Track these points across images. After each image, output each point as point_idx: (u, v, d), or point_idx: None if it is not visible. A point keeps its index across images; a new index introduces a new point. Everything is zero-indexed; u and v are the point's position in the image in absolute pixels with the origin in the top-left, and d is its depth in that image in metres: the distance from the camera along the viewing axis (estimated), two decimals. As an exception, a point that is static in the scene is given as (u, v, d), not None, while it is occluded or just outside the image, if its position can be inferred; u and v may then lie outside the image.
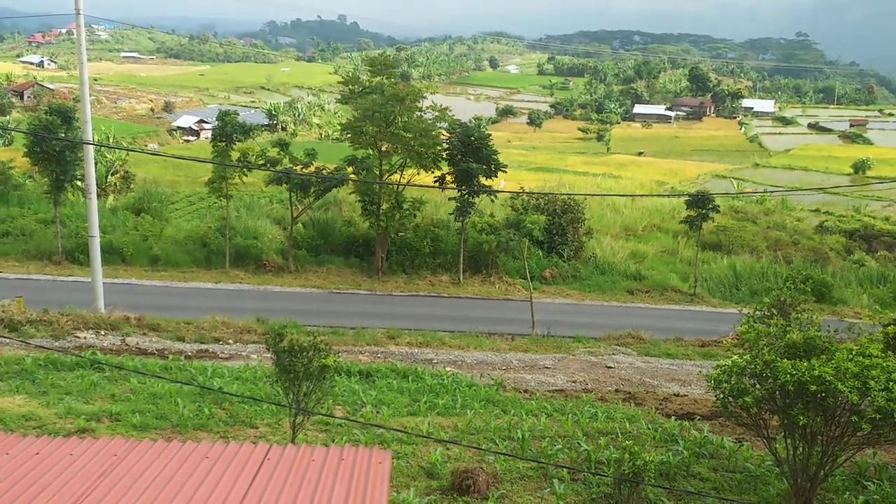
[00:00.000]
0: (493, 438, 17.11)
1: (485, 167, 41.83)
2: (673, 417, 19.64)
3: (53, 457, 9.35)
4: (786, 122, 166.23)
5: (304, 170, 42.00)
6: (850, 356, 13.52)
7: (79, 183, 42.23)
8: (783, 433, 14.40)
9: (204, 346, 27.59)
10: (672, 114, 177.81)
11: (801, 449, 13.90)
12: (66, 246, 41.23)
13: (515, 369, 27.20)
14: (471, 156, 41.64)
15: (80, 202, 44.68)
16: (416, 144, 41.86)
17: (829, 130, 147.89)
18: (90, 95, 33.46)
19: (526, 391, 23.39)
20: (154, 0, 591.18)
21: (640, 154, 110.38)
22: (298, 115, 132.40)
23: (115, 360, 22.35)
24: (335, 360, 14.82)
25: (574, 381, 26.09)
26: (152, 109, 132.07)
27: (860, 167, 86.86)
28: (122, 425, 16.26)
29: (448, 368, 25.22)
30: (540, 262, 44.56)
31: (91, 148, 32.39)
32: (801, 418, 13.12)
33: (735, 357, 14.84)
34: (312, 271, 42.40)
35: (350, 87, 45.83)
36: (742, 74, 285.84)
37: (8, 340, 23.94)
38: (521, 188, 51.46)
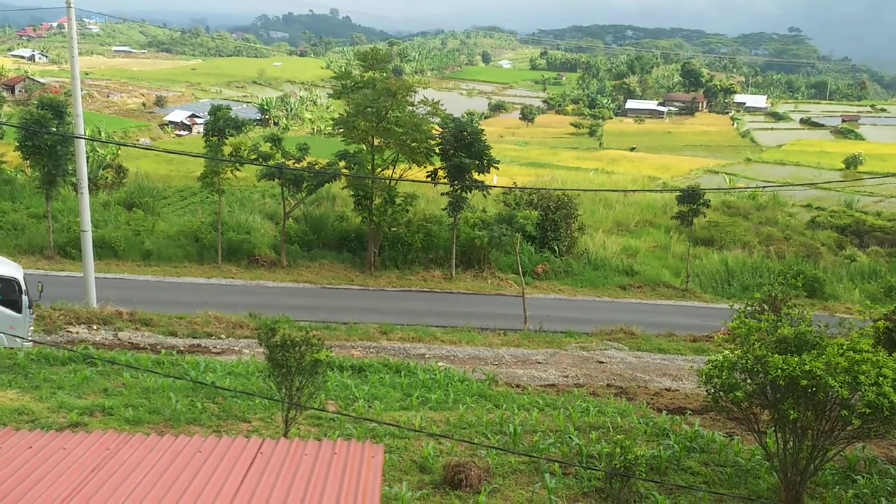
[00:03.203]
0: (484, 433, 17.14)
1: (477, 162, 41.83)
2: (664, 412, 19.71)
3: (46, 451, 9.35)
4: (778, 117, 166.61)
5: (296, 164, 41.96)
6: (841, 351, 13.59)
7: (71, 178, 42.13)
8: (774, 428, 14.47)
9: (196, 341, 27.59)
10: (664, 109, 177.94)
11: (791, 443, 13.97)
12: (57, 240, 41.12)
13: (507, 364, 27.26)
14: (463, 151, 41.63)
15: (71, 197, 44.54)
16: (408, 139, 41.88)
17: (821, 126, 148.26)
18: (81, 90, 33.36)
19: (518, 386, 23.44)
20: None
21: (632, 149, 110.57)
22: (290, 110, 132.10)
23: (107, 355, 22.30)
24: (327, 355, 14.84)
25: (566, 376, 26.18)
26: (144, 104, 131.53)
27: (852, 162, 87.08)
28: (115, 419, 16.25)
29: (440, 363, 25.26)
30: (532, 258, 44.59)
31: (83, 142, 32.30)
32: (792, 413, 13.19)
33: (726, 352, 14.90)
34: (305, 266, 42.36)
35: (342, 81, 45.79)
36: (734, 69, 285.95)
37: (-1, 335, 23.85)
38: (514, 183, 51.54)
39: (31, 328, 24.69)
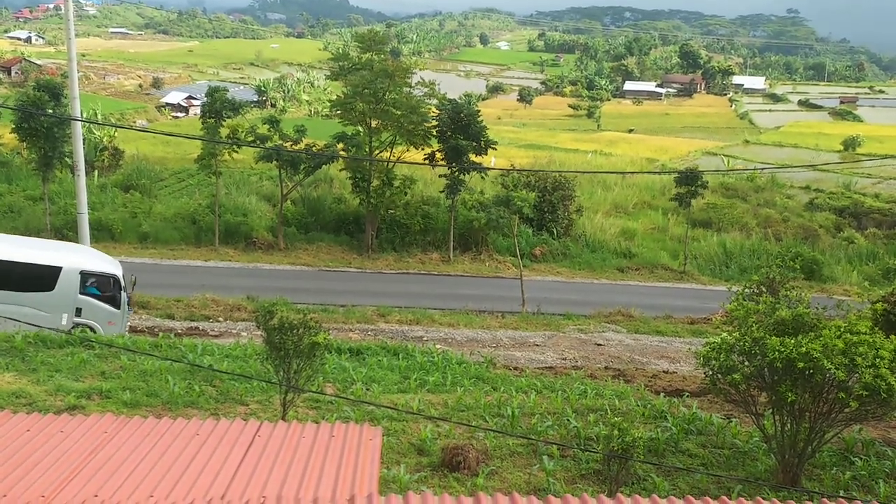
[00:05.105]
0: (483, 415, 17.15)
1: (475, 144, 41.74)
2: (662, 394, 19.74)
3: (44, 433, 9.35)
4: (776, 98, 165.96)
5: (293, 146, 41.83)
6: (838, 333, 13.55)
7: (67, 160, 42.01)
8: (771, 410, 14.47)
9: (194, 324, 27.63)
10: (663, 90, 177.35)
11: (788, 425, 13.98)
12: (54, 223, 41.05)
13: (505, 347, 27.30)
14: (460, 133, 41.53)
15: (68, 179, 44.43)
16: (405, 121, 41.76)
17: (819, 107, 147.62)
18: (78, 71, 33.18)
19: (516, 368, 23.46)
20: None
21: (630, 131, 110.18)
22: (288, 92, 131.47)
23: (105, 338, 22.30)
24: (325, 338, 14.81)
25: (564, 359, 26.22)
26: (140, 86, 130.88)
27: (850, 144, 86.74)
28: (113, 402, 16.24)
29: (438, 346, 25.27)
30: (530, 240, 44.56)
31: (79, 124, 32.22)
32: (789, 395, 13.18)
33: (724, 334, 14.89)
34: (302, 249, 42.33)
35: (339, 63, 45.67)
36: (733, 51, 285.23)
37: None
38: (512, 165, 51.39)
39: (129, 323, 25.33)
